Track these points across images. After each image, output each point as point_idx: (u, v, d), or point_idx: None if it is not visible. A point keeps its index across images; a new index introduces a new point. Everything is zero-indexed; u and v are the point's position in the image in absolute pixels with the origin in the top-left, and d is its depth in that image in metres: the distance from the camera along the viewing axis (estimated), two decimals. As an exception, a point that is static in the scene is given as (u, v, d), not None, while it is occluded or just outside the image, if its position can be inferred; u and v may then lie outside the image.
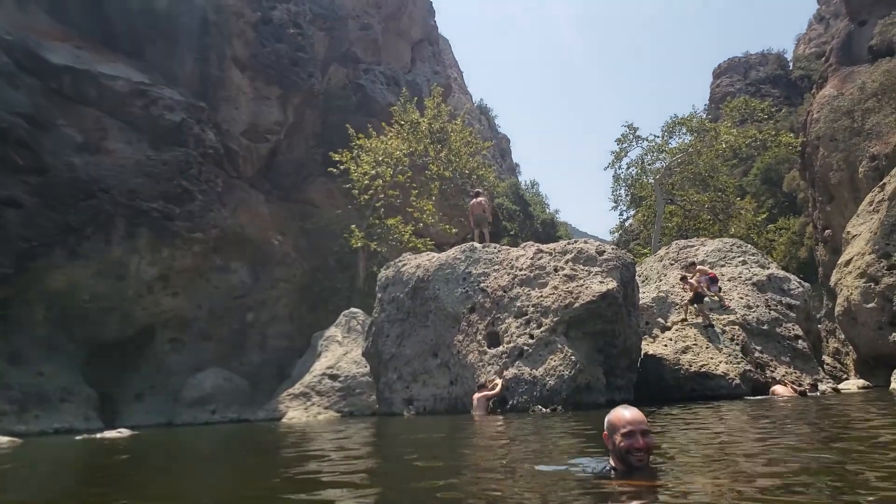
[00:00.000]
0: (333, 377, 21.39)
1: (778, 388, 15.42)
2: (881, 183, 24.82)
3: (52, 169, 22.76)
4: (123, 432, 14.41)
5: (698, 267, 18.65)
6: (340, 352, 22.34)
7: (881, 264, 21.41)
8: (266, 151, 30.82)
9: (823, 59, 43.11)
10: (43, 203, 22.37)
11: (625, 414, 3.61)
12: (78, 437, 14.11)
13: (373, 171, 29.30)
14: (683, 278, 18.49)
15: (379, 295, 19.00)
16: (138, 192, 24.27)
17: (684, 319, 17.82)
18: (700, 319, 17.60)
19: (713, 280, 18.05)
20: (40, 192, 22.39)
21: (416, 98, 33.25)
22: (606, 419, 3.69)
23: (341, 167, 29.16)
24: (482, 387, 14.26)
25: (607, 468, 3.69)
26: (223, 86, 28.98)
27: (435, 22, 47.35)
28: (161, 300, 25.24)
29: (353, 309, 24.29)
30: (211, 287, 26.94)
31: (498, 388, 14.17)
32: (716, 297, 17.99)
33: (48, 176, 22.65)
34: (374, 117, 32.62)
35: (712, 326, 17.31)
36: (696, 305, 17.62)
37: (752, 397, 14.81)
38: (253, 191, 29.76)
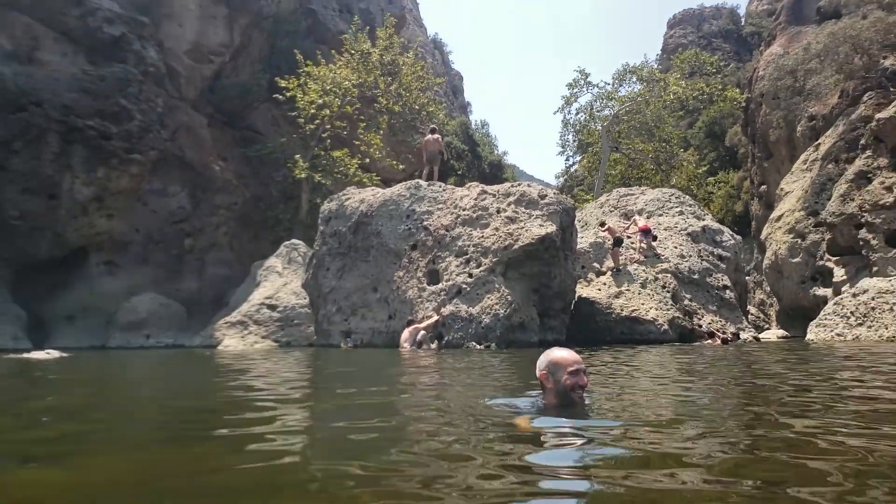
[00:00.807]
0: (272, 307, 21.39)
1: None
2: (816, 143, 25.73)
3: (-23, 77, 21.48)
4: (52, 353, 14.09)
5: (633, 218, 19.26)
6: (280, 282, 22.29)
7: (809, 221, 22.44)
8: (210, 73, 29.69)
9: (774, 17, 43.64)
10: (-33, 113, 21.18)
11: (569, 354, 3.81)
12: (3, 356, 13.80)
13: (320, 101, 28.65)
14: (602, 223, 19.22)
15: (321, 228, 18.93)
16: (73, 107, 23.16)
17: (638, 260, 18.52)
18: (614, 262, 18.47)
19: (646, 232, 18.63)
20: (-36, 101, 21.18)
21: (368, 27, 32.37)
22: (546, 359, 3.78)
23: (288, 94, 28.40)
24: (411, 321, 14.56)
25: (540, 404, 3.86)
26: (167, 1, 27.55)
27: (392, -52, 45.71)
28: (95, 221, 24.48)
29: (294, 240, 24.13)
30: (148, 211, 26.25)
31: (432, 320, 14.49)
32: (644, 247, 18.68)
33: (-27, 84, 21.39)
34: (324, 44, 31.69)
35: (620, 271, 18.12)
36: (613, 249, 18.36)
37: (680, 343, 15.58)
38: (195, 113, 28.76)
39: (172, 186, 27.07)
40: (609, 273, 18.47)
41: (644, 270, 18.15)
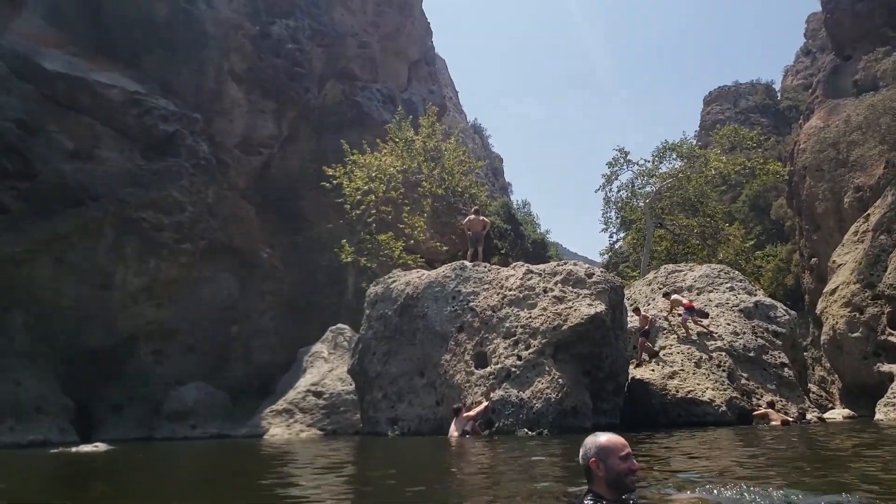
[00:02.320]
0: (318, 394, 21.18)
1: (771, 413, 15.39)
2: (865, 214, 25.14)
3: (41, 175, 22.57)
4: (100, 446, 14.03)
5: (673, 297, 18.71)
6: (326, 368, 22.15)
7: (866, 294, 21.59)
8: (259, 164, 30.73)
9: (810, 90, 43.74)
10: (30, 209, 22.15)
11: (617, 438, 3.64)
12: (52, 451, 13.77)
13: (365, 187, 29.28)
14: (637, 310, 18.51)
15: (367, 311, 18.89)
16: (128, 201, 24.09)
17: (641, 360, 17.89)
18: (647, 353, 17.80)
19: (690, 310, 18.09)
20: (28, 198, 22.20)
21: (411, 116, 33.36)
22: (595, 445, 3.61)
23: (334, 182, 29.12)
24: (458, 410, 14.04)
25: (589, 496, 3.62)
26: (219, 98, 28.91)
27: (432, 42, 47.66)
28: (145, 310, 24.98)
29: (340, 325, 24.12)
30: (197, 298, 26.69)
31: (482, 408, 14.05)
32: (692, 326, 18.04)
33: (37, 182, 22.46)
34: (368, 134, 32.65)
35: (647, 362, 17.43)
36: (640, 339, 17.70)
37: (742, 426, 14.80)
38: (244, 202, 29.61)
39: (221, 273, 27.60)
40: (662, 353, 17.87)
41: (698, 349, 17.53)
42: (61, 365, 23.20)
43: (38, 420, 20.80)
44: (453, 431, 13.66)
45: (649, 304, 20.32)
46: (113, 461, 10.98)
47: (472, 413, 13.96)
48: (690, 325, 18.03)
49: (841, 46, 38.59)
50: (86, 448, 13.83)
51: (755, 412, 15.47)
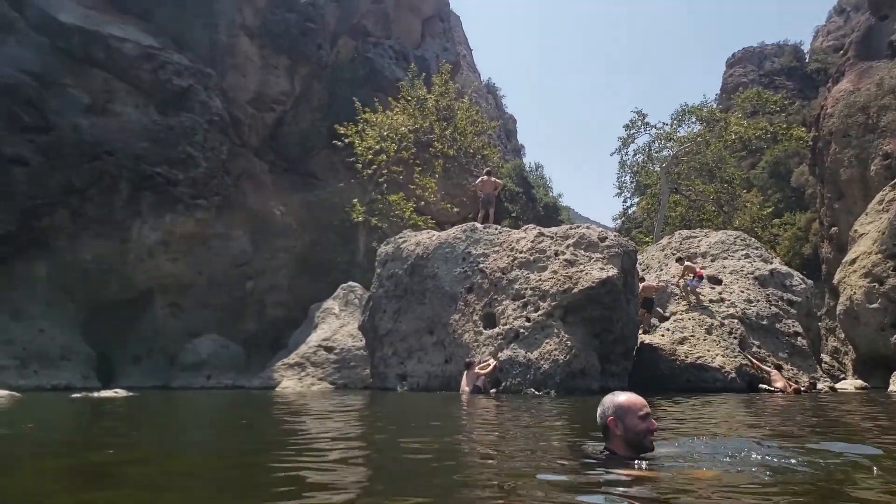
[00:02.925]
0: (329, 349, 21.45)
1: (774, 375, 15.39)
2: (893, 182, 24.61)
3: (57, 129, 22.70)
4: (119, 392, 14.55)
5: (686, 263, 18.55)
6: (337, 324, 22.39)
7: (887, 265, 21.26)
8: (272, 121, 30.66)
9: (841, 52, 42.51)
10: (48, 162, 22.36)
11: (636, 397, 3.60)
12: (75, 395, 14.26)
13: (377, 146, 29.15)
14: (642, 278, 18.36)
15: (378, 270, 19.00)
16: (143, 156, 24.22)
17: (686, 308, 17.81)
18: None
19: (700, 278, 17.97)
20: (45, 152, 22.37)
21: (423, 74, 32.96)
22: (613, 404, 3.57)
23: (346, 140, 29.01)
24: (470, 365, 14.26)
25: (605, 452, 3.64)
26: (231, 53, 28.73)
27: (447, -3, 46.80)
28: (161, 265, 25.28)
29: (351, 283, 24.29)
30: (211, 254, 26.95)
31: (491, 368, 14.20)
32: (693, 296, 17.95)
33: (53, 135, 22.60)
34: (381, 92, 32.35)
35: (647, 333, 17.35)
36: (643, 310, 17.53)
37: (752, 392, 14.80)
38: (257, 160, 29.65)
39: (235, 230, 27.78)
40: (672, 319, 17.83)
41: (710, 316, 17.46)
42: (83, 315, 23.71)
43: (61, 366, 21.49)
44: (464, 386, 13.83)
45: (661, 270, 20.23)
46: (132, 404, 11.34)
47: (482, 371, 14.11)
48: (699, 291, 17.95)
49: (878, 5, 37.24)
50: (106, 393, 14.32)
51: (760, 384, 15.43)
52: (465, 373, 14.09)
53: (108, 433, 6.69)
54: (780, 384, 14.84)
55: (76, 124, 23.16)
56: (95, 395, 14.25)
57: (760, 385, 15.38)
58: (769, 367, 15.83)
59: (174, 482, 3.41)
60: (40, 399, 14.53)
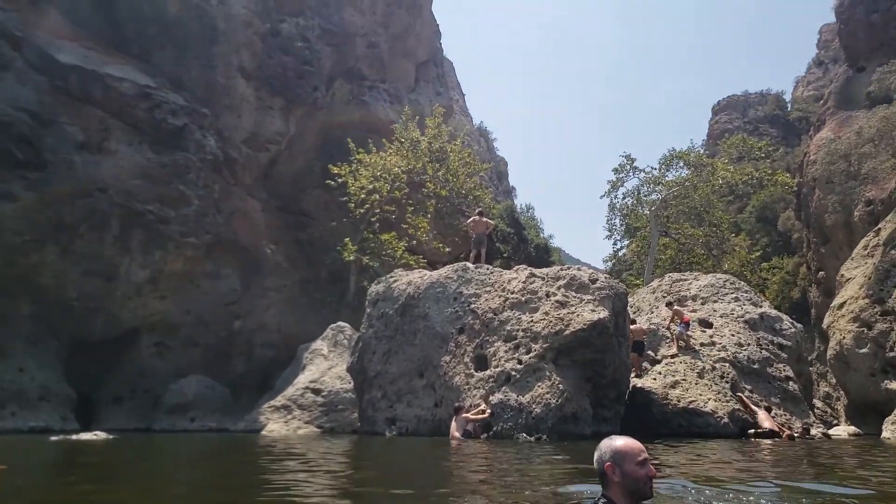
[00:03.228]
0: (316, 391, 21.15)
1: (761, 415, 15.29)
2: (876, 228, 24.90)
3: (51, 165, 22.69)
4: (99, 435, 14.20)
5: (675, 308, 18.55)
6: (325, 366, 22.13)
7: (874, 309, 21.34)
8: (266, 161, 30.80)
9: (822, 102, 43.48)
10: (39, 199, 22.26)
11: (633, 442, 3.49)
12: (53, 438, 13.91)
13: (370, 186, 29.30)
14: (633, 321, 18.26)
15: (368, 310, 18.86)
16: (135, 193, 24.20)
17: (675, 354, 17.73)
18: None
19: (687, 325, 17.93)
20: (37, 188, 22.30)
21: (417, 117, 33.35)
22: (610, 449, 3.43)
23: (339, 180, 29.15)
24: (459, 409, 14.04)
25: (602, 501, 3.52)
26: (227, 94, 28.99)
27: (441, 44, 47.62)
28: (149, 303, 25.04)
29: (340, 323, 24.11)
30: (200, 293, 26.74)
31: (483, 416, 13.99)
32: (683, 341, 17.86)
33: (47, 172, 22.56)
34: (375, 133, 32.67)
35: (639, 377, 17.25)
36: (635, 354, 17.38)
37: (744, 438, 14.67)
38: (250, 199, 29.67)
39: (224, 269, 27.63)
40: (664, 362, 17.75)
41: (701, 360, 17.40)
42: (65, 354, 23.30)
43: (40, 407, 20.98)
44: (454, 431, 13.61)
45: (652, 313, 20.22)
46: (109, 449, 11.04)
47: (473, 416, 13.91)
48: (687, 337, 17.89)
49: (854, 57, 38.37)
50: (85, 436, 13.96)
51: (749, 430, 15.29)
52: (455, 418, 13.88)
53: (83, 479, 6.52)
54: (767, 424, 14.73)
55: (70, 161, 23.15)
56: (74, 437, 13.88)
57: (749, 431, 15.24)
58: (758, 407, 15.74)
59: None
60: (16, 442, 14.17)
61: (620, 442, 3.48)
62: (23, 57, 23.14)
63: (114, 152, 24.47)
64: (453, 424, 13.79)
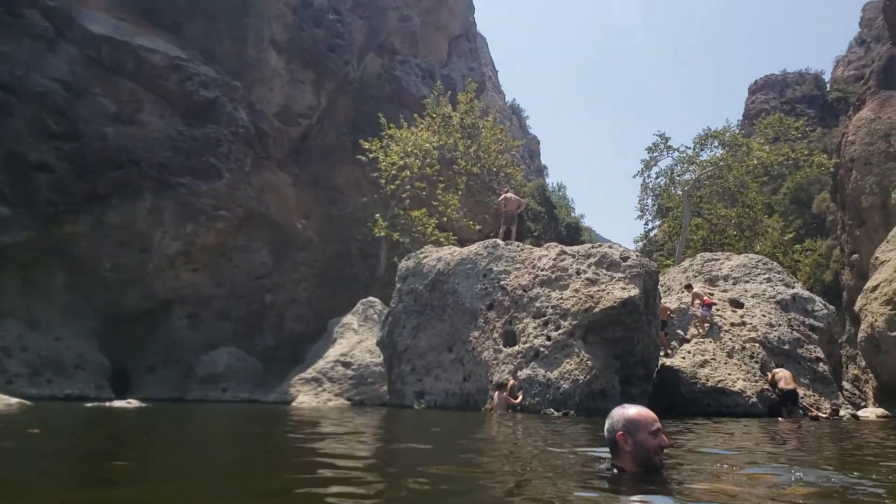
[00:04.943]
0: (346, 364, 21.37)
1: (780, 372, 15.26)
2: (915, 210, 24.27)
3: (84, 136, 22.98)
4: (132, 402, 14.53)
5: (694, 290, 18.37)
6: (355, 340, 22.33)
7: (910, 292, 20.88)
8: (297, 135, 30.90)
9: (862, 81, 42.33)
10: (73, 169, 22.61)
11: (647, 411, 3.43)
12: (87, 405, 14.27)
13: (401, 162, 29.25)
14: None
15: (398, 285, 18.96)
16: (167, 165, 24.44)
17: (699, 336, 17.58)
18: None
19: (708, 306, 17.73)
20: (71, 159, 22.63)
21: (449, 92, 33.13)
22: (622, 418, 3.40)
23: (370, 155, 29.14)
24: (503, 386, 14.10)
25: (612, 471, 3.46)
26: (259, 67, 29.06)
27: (474, 18, 47.18)
28: (182, 275, 25.40)
29: (370, 298, 24.26)
30: (232, 266, 27.06)
31: (519, 399, 14.02)
32: (706, 324, 17.66)
33: (80, 143, 22.88)
34: (406, 108, 32.55)
35: (668, 355, 17.10)
36: (662, 332, 17.26)
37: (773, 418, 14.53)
38: (281, 173, 29.84)
39: (256, 243, 27.91)
40: (693, 341, 17.62)
41: (731, 339, 17.23)
42: (100, 324, 23.78)
43: (75, 375, 21.43)
44: (497, 406, 13.64)
45: (682, 293, 20.03)
46: (144, 416, 11.30)
47: (514, 401, 13.92)
48: (710, 317, 17.71)
49: (899, 35, 37.15)
50: (118, 403, 14.29)
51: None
52: (497, 394, 13.93)
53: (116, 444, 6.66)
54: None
55: (103, 133, 23.44)
56: (107, 404, 14.22)
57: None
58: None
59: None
60: (50, 407, 14.53)
61: (633, 411, 3.45)
62: (55, 27, 23.35)
63: (146, 124, 24.72)
64: (495, 400, 13.84)
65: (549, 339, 14.67)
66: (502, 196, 20.17)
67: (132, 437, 7.33)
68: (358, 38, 33.23)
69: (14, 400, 13.62)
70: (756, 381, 16.01)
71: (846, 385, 25.72)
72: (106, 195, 23.27)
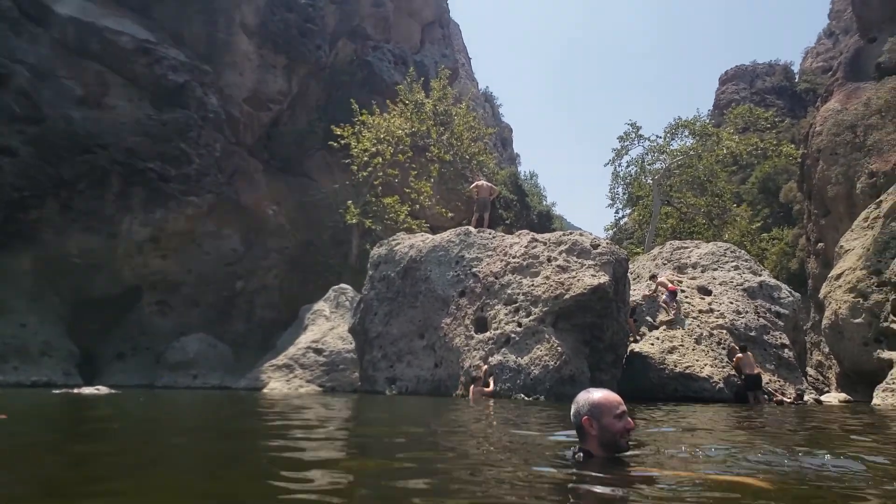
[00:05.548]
0: (318, 351, 21.32)
1: (744, 357, 15.72)
2: (878, 200, 24.86)
3: (49, 120, 22.51)
4: (101, 389, 14.36)
5: (659, 279, 18.66)
6: (327, 326, 22.27)
7: (871, 280, 21.43)
8: (267, 120, 30.56)
9: (830, 73, 43.07)
10: (38, 154, 22.14)
11: (611, 395, 3.44)
12: (55, 391, 14.06)
13: (373, 149, 29.10)
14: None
15: (370, 272, 18.93)
16: (135, 150, 24.04)
17: (671, 320, 17.86)
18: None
19: (673, 294, 18.03)
20: (36, 143, 22.16)
21: (422, 79, 33.00)
22: (587, 402, 3.39)
23: (342, 142, 28.95)
24: (475, 379, 14.19)
25: (578, 455, 3.44)
26: (229, 50, 28.64)
27: (447, 5, 46.98)
28: (150, 261, 25.08)
29: (342, 285, 24.19)
30: (202, 252, 26.77)
31: (490, 388, 14.13)
32: (672, 312, 17.95)
33: (45, 126, 22.41)
34: (379, 95, 32.37)
35: (636, 342, 17.39)
36: (631, 319, 17.55)
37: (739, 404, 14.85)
38: (251, 159, 29.53)
39: (226, 229, 27.62)
40: (662, 328, 17.90)
41: (699, 326, 17.55)
42: (67, 311, 23.41)
43: (42, 362, 21.15)
44: (474, 402, 13.76)
45: (649, 284, 20.30)
46: (112, 403, 11.15)
47: (487, 390, 14.01)
48: (676, 304, 18.02)
49: (867, 27, 37.81)
50: (87, 390, 14.10)
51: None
52: (472, 388, 14.02)
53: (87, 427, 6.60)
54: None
55: (69, 116, 22.98)
56: (75, 391, 14.03)
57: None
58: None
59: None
60: (18, 394, 14.32)
61: (598, 395, 3.43)
62: (18, 7, 22.77)
63: (113, 108, 24.26)
64: (471, 395, 13.95)
65: (519, 325, 14.79)
66: (475, 183, 20.22)
67: (103, 422, 7.25)
68: (330, 22, 32.92)
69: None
70: (723, 367, 16.34)
71: (810, 371, 26.35)
72: (72, 180, 22.84)
